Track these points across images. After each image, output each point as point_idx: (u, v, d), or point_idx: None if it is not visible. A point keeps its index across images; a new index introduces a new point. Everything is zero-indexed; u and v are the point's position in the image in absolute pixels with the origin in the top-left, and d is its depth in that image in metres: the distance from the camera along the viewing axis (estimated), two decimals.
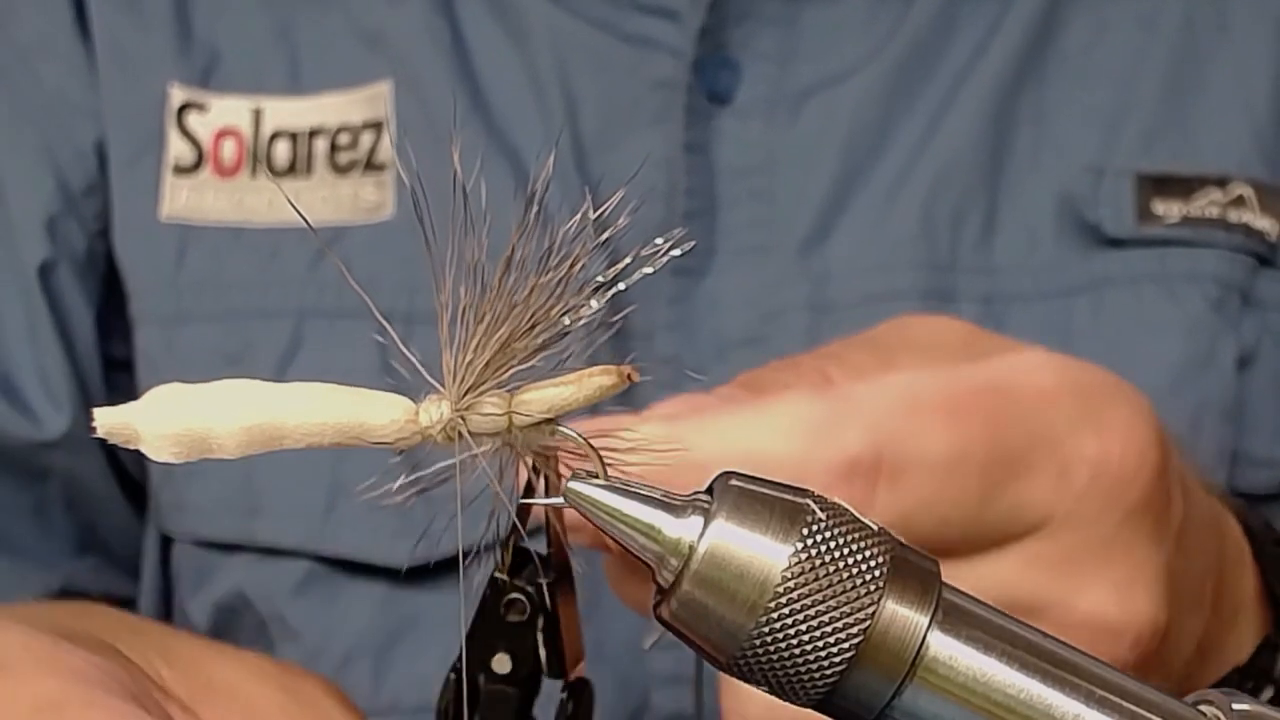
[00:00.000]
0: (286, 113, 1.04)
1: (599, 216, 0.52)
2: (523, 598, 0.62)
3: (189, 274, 1.02)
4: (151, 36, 1.05)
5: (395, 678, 0.97)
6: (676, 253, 0.53)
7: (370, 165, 1.03)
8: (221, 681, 0.71)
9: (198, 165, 1.04)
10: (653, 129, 1.00)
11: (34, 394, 1.02)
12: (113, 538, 1.07)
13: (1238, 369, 0.97)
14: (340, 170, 1.02)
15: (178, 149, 1.04)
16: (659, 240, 0.53)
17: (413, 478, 0.54)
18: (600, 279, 0.52)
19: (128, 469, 1.06)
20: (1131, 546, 0.67)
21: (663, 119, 1.00)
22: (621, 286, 0.52)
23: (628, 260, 0.52)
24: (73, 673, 0.63)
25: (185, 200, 1.03)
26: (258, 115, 1.04)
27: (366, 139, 1.03)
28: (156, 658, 0.71)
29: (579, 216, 0.52)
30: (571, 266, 0.52)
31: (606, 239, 0.52)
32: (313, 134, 1.03)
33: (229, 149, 1.04)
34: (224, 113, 1.04)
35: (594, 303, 0.52)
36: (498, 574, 0.62)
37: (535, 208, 0.52)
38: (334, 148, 1.03)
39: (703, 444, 0.64)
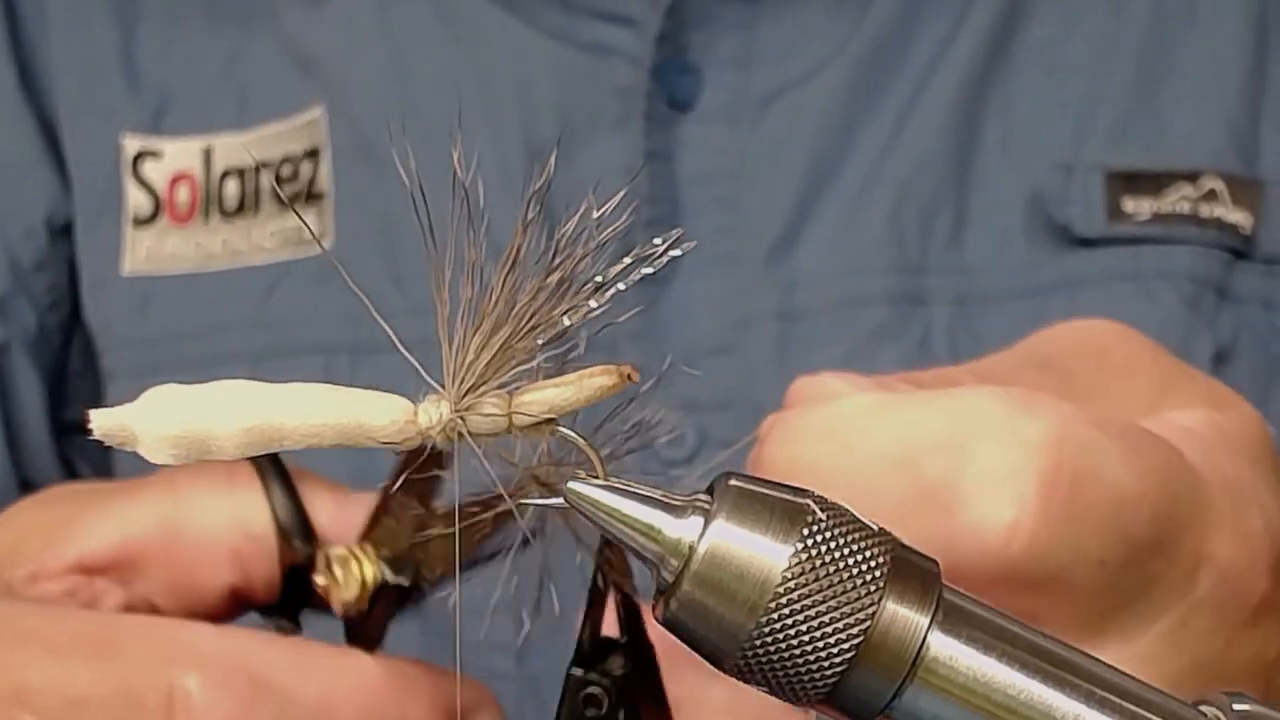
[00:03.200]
0: (234, 149, 1.03)
1: (599, 217, 0.52)
2: (599, 691, 0.61)
3: (153, 326, 1.01)
4: (102, 86, 1.04)
5: None
6: (677, 252, 0.53)
7: (310, 196, 1.02)
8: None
9: (155, 214, 1.03)
10: (613, 137, 0.99)
11: None
12: None
13: (1215, 364, 0.97)
14: (284, 203, 1.02)
15: (136, 200, 1.03)
16: (656, 240, 0.53)
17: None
18: (599, 279, 0.52)
19: None
20: (1237, 652, 0.63)
21: (623, 127, 0.99)
22: (621, 286, 0.52)
23: (628, 260, 0.52)
24: None
25: (146, 252, 1.03)
26: (208, 155, 1.03)
27: (306, 169, 1.02)
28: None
29: (579, 217, 0.52)
30: (573, 267, 0.51)
31: (606, 240, 0.52)
32: (259, 168, 1.02)
33: (183, 194, 1.03)
34: (177, 156, 1.04)
35: (593, 303, 0.52)
36: (573, 668, 0.61)
37: (536, 208, 0.52)
38: (279, 180, 1.02)
39: (887, 426, 0.60)
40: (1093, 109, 1.01)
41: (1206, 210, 0.99)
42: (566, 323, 0.52)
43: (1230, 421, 0.68)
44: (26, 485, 1.03)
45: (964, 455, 0.58)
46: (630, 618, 0.61)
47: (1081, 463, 0.58)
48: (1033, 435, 0.58)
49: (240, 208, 1.02)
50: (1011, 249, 0.99)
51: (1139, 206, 0.99)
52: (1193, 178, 0.99)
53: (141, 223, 1.03)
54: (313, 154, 1.02)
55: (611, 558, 0.59)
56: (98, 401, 1.03)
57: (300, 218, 1.02)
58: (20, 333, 1.03)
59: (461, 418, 0.52)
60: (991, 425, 0.59)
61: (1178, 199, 0.99)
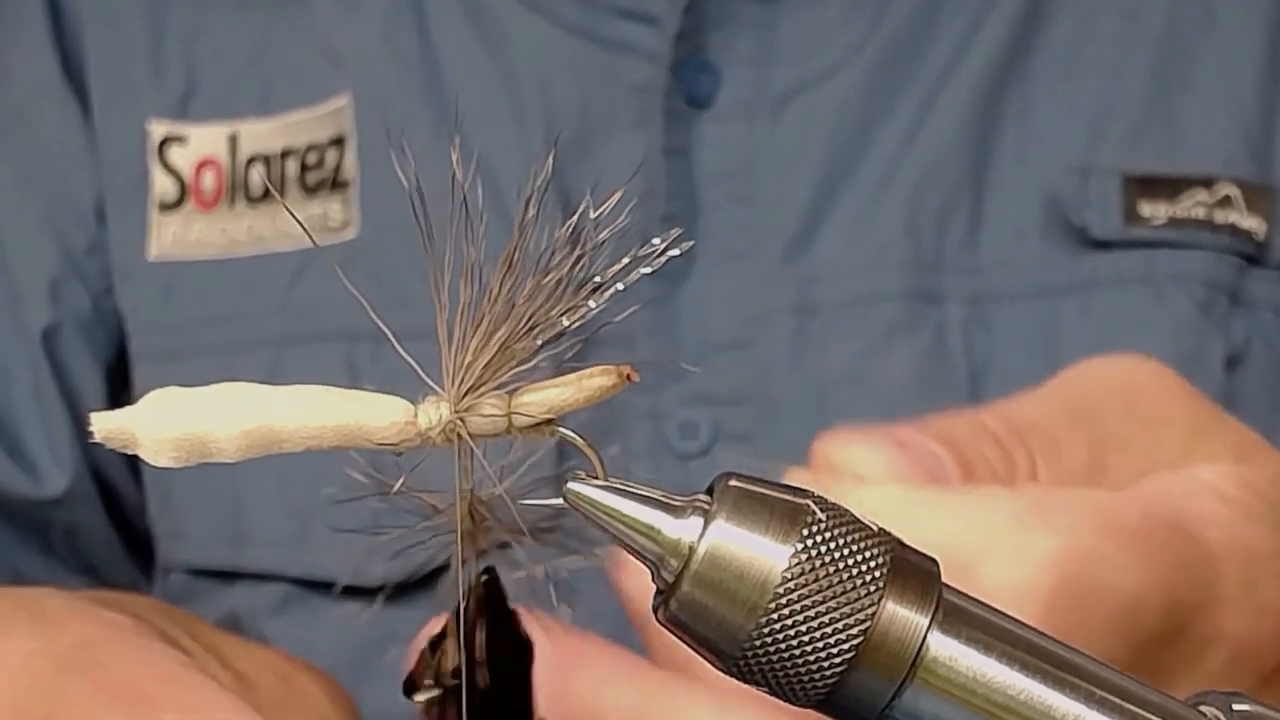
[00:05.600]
0: (259, 135, 1.03)
1: (598, 216, 0.52)
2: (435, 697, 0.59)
3: (178, 311, 1.02)
4: (131, 72, 1.05)
5: (373, 691, 0.97)
6: (675, 252, 0.53)
7: (336, 184, 1.03)
8: (232, 659, 0.71)
9: (181, 200, 1.04)
10: (631, 134, 0.99)
11: (39, 454, 1.03)
12: (113, 584, 1.08)
13: (1226, 370, 0.97)
14: (310, 190, 1.02)
15: (162, 185, 1.04)
16: (655, 240, 0.53)
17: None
18: (599, 279, 0.52)
19: (131, 521, 1.06)
20: None
21: (642, 124, 0.99)
22: (620, 286, 0.52)
23: (626, 260, 0.52)
24: (108, 622, 0.65)
25: (172, 237, 1.04)
26: (234, 141, 1.04)
27: (331, 156, 1.03)
28: (182, 632, 0.70)
29: (577, 217, 0.52)
30: (572, 267, 0.51)
31: (605, 239, 0.52)
32: (284, 155, 1.03)
33: (209, 180, 1.04)
34: (203, 142, 1.04)
35: (593, 303, 0.52)
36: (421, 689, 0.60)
37: (534, 209, 0.52)
38: (304, 168, 1.03)
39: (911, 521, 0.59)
40: (1109, 113, 1.01)
41: (1221, 216, 0.99)
42: (566, 323, 0.52)
43: (1258, 475, 0.69)
44: (95, 469, 1.04)
45: (972, 570, 0.60)
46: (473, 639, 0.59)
47: (1087, 578, 0.60)
48: (1039, 552, 0.60)
49: (266, 194, 1.03)
50: (1026, 249, 0.99)
51: (1155, 210, 0.99)
52: (1208, 184, 0.99)
53: (167, 208, 1.04)
54: (338, 142, 1.03)
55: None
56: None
57: (294, 216, 1.02)
58: (73, 316, 1.04)
59: (461, 419, 0.52)
60: (1001, 539, 0.60)
61: (1193, 204, 0.99)
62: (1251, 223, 0.99)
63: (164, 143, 1.05)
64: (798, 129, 1.00)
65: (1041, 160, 1.00)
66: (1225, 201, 0.99)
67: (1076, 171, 0.99)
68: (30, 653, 0.63)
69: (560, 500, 0.51)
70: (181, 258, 1.03)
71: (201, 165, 1.04)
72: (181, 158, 1.04)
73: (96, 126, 1.06)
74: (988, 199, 0.99)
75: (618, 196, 0.52)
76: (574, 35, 1.01)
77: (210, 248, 1.03)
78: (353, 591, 0.98)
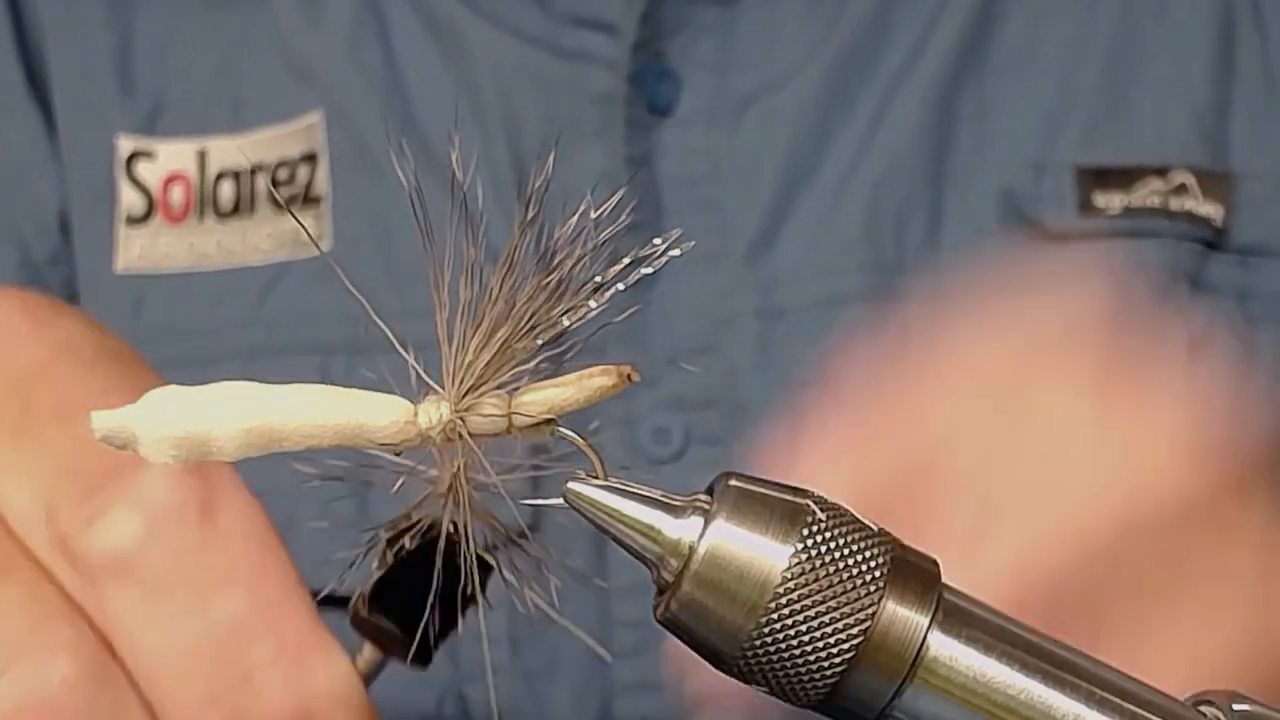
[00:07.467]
0: (229, 151, 1.03)
1: (597, 218, 0.52)
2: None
3: (145, 325, 1.02)
4: (97, 88, 1.05)
5: None
6: (675, 252, 0.53)
7: (308, 198, 1.02)
8: None
9: (148, 214, 1.03)
10: (595, 144, 0.99)
11: None
12: None
13: (1189, 354, 0.97)
14: (280, 206, 1.02)
15: (129, 199, 1.04)
16: (656, 240, 0.53)
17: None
18: (599, 280, 0.52)
19: None
20: None
21: (604, 133, 0.99)
22: (620, 287, 0.52)
23: (626, 261, 0.52)
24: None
25: (139, 251, 1.03)
26: (203, 157, 1.04)
27: (303, 172, 1.02)
28: None
29: (576, 218, 0.52)
30: (572, 268, 0.52)
31: (604, 240, 0.52)
32: (254, 171, 1.03)
33: (177, 194, 1.04)
34: (171, 158, 1.04)
35: (592, 303, 0.52)
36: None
37: (535, 209, 0.52)
38: (275, 183, 1.03)
39: None
40: (1063, 107, 1.01)
41: (1176, 204, 0.99)
42: (565, 323, 0.52)
43: None
44: None
45: None
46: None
47: None
48: None
49: (235, 209, 1.03)
50: (985, 247, 0.99)
51: (1110, 201, 0.99)
52: (1162, 172, 1.00)
53: (135, 222, 1.04)
54: (310, 158, 1.03)
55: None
56: None
57: (298, 219, 1.02)
58: None
59: (461, 418, 0.52)
60: None
61: (1148, 193, 0.99)
62: (1209, 208, 0.99)
63: (132, 158, 1.04)
64: (758, 133, 1.00)
65: (998, 157, 1.00)
66: (1181, 189, 0.99)
67: (1031, 166, 0.99)
68: None
69: (561, 500, 0.52)
70: (149, 270, 1.03)
71: (170, 180, 1.04)
72: (149, 173, 1.04)
73: (61, 140, 1.05)
74: (946, 198, 1.00)
75: (616, 199, 0.52)
76: (533, 46, 1.01)
77: (178, 261, 1.03)
78: (329, 601, 0.97)
